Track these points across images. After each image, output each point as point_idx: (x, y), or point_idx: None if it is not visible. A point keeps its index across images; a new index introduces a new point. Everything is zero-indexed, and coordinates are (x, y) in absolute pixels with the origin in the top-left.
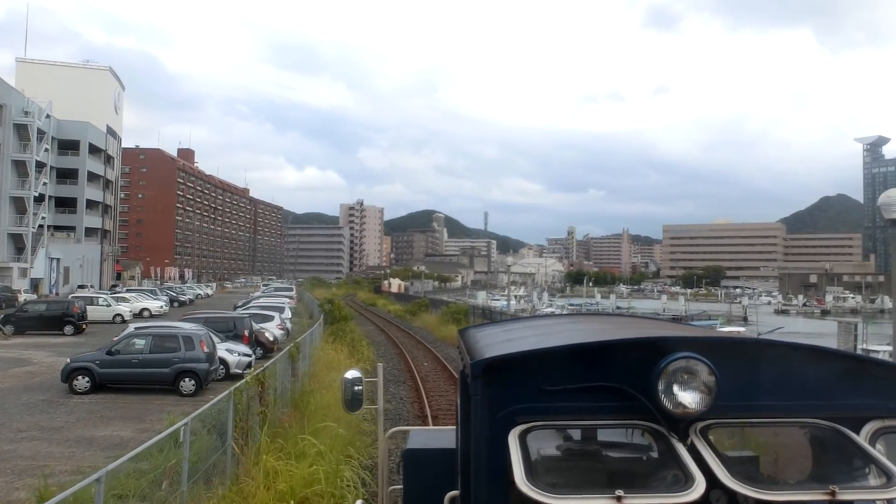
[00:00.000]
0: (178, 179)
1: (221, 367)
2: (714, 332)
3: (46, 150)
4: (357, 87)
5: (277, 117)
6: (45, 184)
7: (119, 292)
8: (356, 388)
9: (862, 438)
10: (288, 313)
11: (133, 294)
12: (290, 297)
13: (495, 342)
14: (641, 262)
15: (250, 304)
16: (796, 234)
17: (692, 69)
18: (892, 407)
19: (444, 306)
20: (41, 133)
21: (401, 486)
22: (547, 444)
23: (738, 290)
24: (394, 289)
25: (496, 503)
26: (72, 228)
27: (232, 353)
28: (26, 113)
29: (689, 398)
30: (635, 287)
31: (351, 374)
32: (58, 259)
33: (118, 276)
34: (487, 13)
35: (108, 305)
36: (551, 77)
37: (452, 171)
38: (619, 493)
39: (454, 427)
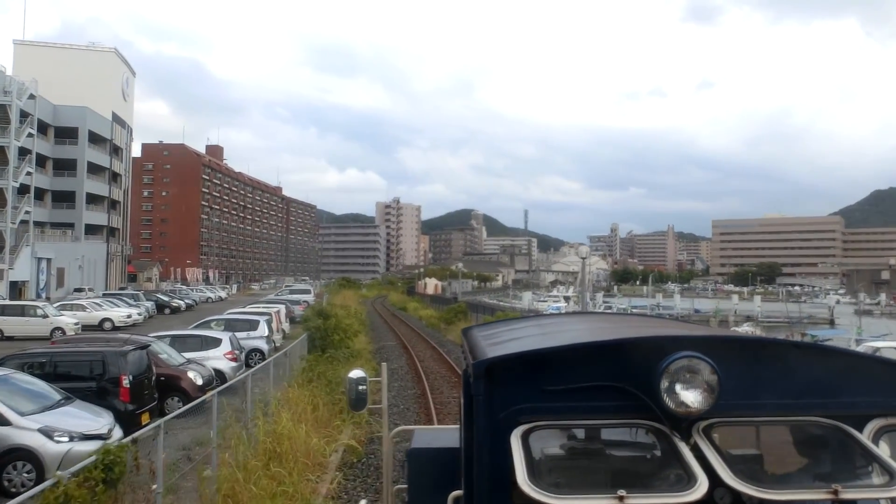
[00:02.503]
0: (204, 176)
1: (27, 466)
2: (715, 331)
3: (31, 134)
4: (394, 88)
5: (317, 120)
6: (29, 173)
7: (85, 298)
8: (360, 387)
9: (865, 437)
10: (263, 329)
11: (96, 300)
12: (300, 303)
13: (498, 342)
14: (687, 259)
15: (211, 318)
16: (855, 228)
17: (734, 63)
18: (895, 405)
19: (488, 314)
20: (25, 115)
21: (405, 486)
22: (549, 443)
23: (797, 289)
24: (429, 290)
25: (499, 503)
26: (70, 225)
27: (53, 435)
28: (5, 92)
29: (691, 397)
30: (685, 285)
31: (355, 373)
32: (48, 259)
33: (133, 279)
34: (524, 12)
35: (45, 317)
36: (589, 74)
37: (491, 171)
38: (622, 492)
39: (458, 426)
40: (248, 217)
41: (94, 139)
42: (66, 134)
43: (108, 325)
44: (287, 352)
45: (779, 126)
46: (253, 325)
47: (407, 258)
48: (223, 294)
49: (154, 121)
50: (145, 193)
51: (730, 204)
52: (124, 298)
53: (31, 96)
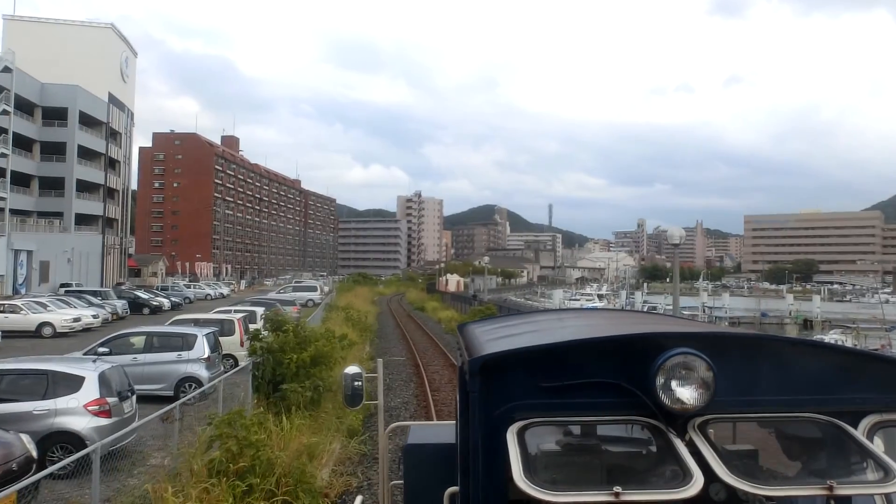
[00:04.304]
0: (217, 167)
1: None
2: (711, 327)
3: (7, 111)
4: (417, 84)
5: (341, 116)
6: (4, 154)
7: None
8: (356, 383)
9: (860, 433)
10: (201, 348)
11: (41, 300)
12: (294, 304)
13: (494, 338)
14: (716, 255)
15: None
16: (889, 224)
17: (761, 57)
18: (890, 401)
19: None
20: (1, 90)
21: (401, 482)
22: (545, 440)
23: (836, 287)
24: (451, 286)
25: (494, 500)
26: (59, 215)
27: None
28: None
29: (687, 394)
30: (716, 283)
31: (351, 369)
32: (29, 251)
33: (137, 273)
34: (547, 7)
35: None
36: (614, 70)
37: (514, 167)
38: (617, 489)
39: (454, 422)
40: (265, 210)
41: (88, 121)
42: (55, 115)
43: (47, 330)
44: (178, 407)
45: (808, 121)
46: (187, 343)
47: (428, 253)
48: (225, 290)
49: (187, 120)
50: (156, 185)
51: (757, 200)
52: (87, 296)
53: (7, 69)
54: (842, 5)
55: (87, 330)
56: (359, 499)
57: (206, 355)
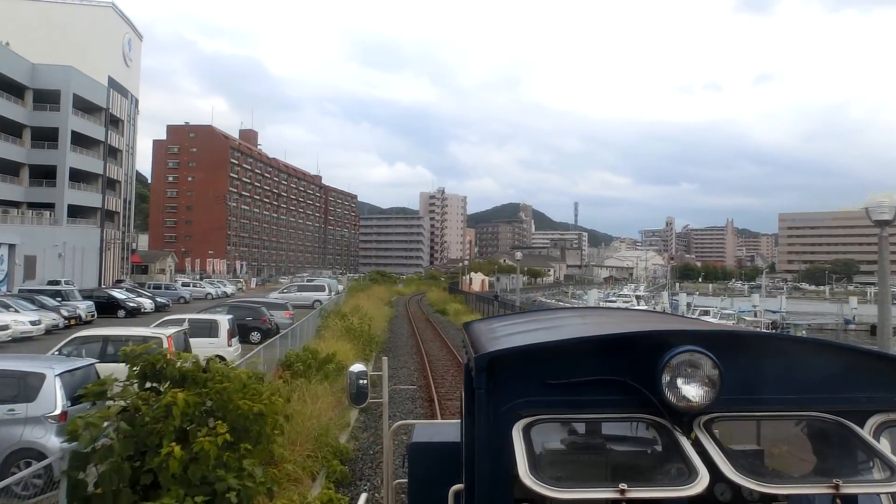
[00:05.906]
0: (233, 160)
1: None
2: (717, 326)
3: None
4: (440, 82)
5: (366, 115)
6: None
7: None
8: (361, 381)
9: (866, 432)
10: (48, 400)
11: None
12: (286, 308)
13: (500, 336)
14: (746, 255)
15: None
16: None
17: (789, 55)
18: None
19: None
20: None
21: (406, 480)
22: (551, 437)
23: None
24: (476, 286)
25: (500, 496)
26: (51, 206)
27: None
28: None
29: (692, 392)
30: (750, 283)
31: (356, 367)
32: (11, 245)
33: (144, 270)
34: (571, 4)
35: None
36: (638, 68)
37: (538, 165)
38: (623, 486)
39: (459, 421)
40: (283, 206)
41: (85, 106)
42: (47, 98)
43: None
44: None
45: (836, 120)
46: (26, 388)
47: (452, 251)
48: (230, 289)
49: (217, 119)
50: (170, 178)
51: (786, 199)
52: (42, 297)
53: None
54: (873, 0)
55: (20, 340)
56: (363, 497)
57: (57, 411)
